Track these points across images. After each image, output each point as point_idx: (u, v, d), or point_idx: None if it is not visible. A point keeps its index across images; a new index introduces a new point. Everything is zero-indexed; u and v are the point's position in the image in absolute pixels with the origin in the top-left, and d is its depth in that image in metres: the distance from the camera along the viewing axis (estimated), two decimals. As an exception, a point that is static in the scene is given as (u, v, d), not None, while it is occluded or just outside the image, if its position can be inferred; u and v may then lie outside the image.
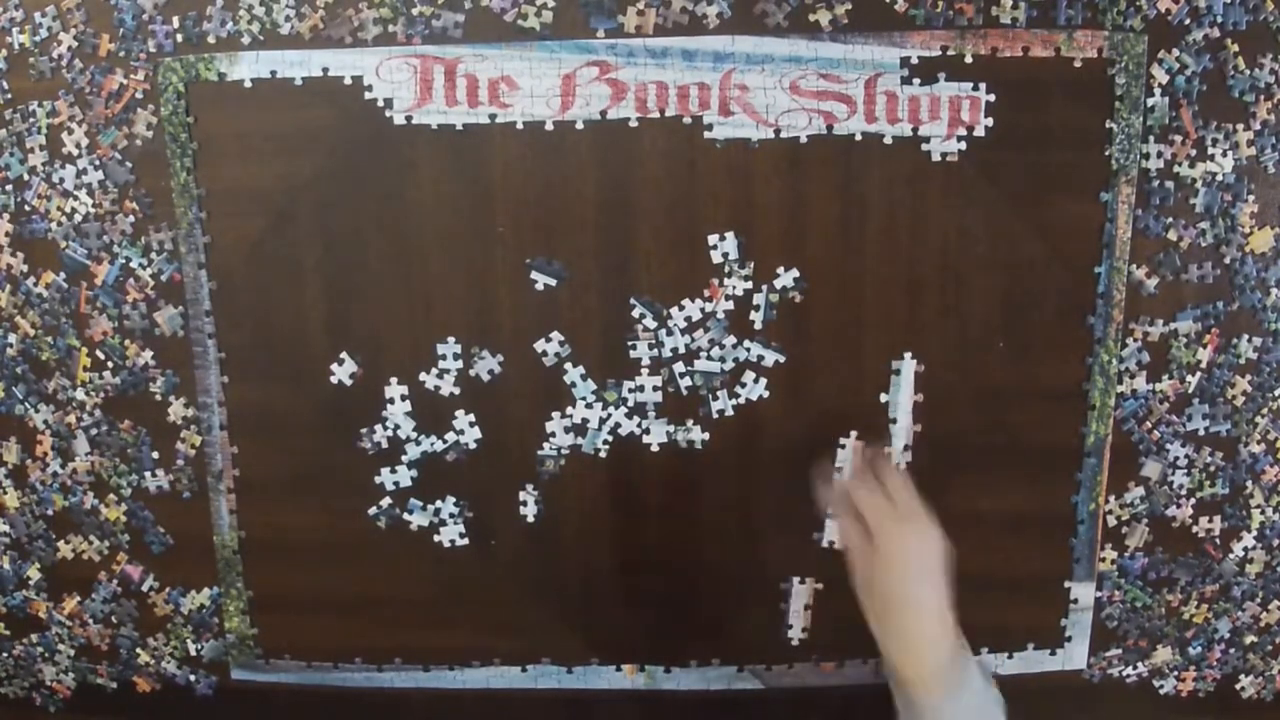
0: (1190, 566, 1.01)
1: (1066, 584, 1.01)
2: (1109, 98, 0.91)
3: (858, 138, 0.92)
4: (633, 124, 0.92)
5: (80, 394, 1.00)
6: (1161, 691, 1.05)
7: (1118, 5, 0.89)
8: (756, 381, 0.96)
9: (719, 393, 0.97)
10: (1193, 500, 1.00)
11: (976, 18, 0.90)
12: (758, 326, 0.96)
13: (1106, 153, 0.92)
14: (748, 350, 0.96)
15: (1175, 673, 1.05)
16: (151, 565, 1.04)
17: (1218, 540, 1.01)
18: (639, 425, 0.98)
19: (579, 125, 0.92)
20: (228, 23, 0.92)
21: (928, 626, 0.82)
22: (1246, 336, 0.96)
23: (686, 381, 0.97)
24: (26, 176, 0.96)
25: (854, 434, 0.97)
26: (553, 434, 0.98)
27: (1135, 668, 1.04)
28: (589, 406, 0.97)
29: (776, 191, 0.93)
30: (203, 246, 0.96)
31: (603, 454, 0.98)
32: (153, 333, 0.98)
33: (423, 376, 0.97)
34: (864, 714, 1.04)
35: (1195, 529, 1.00)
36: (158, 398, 1.00)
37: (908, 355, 0.96)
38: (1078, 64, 0.91)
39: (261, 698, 1.06)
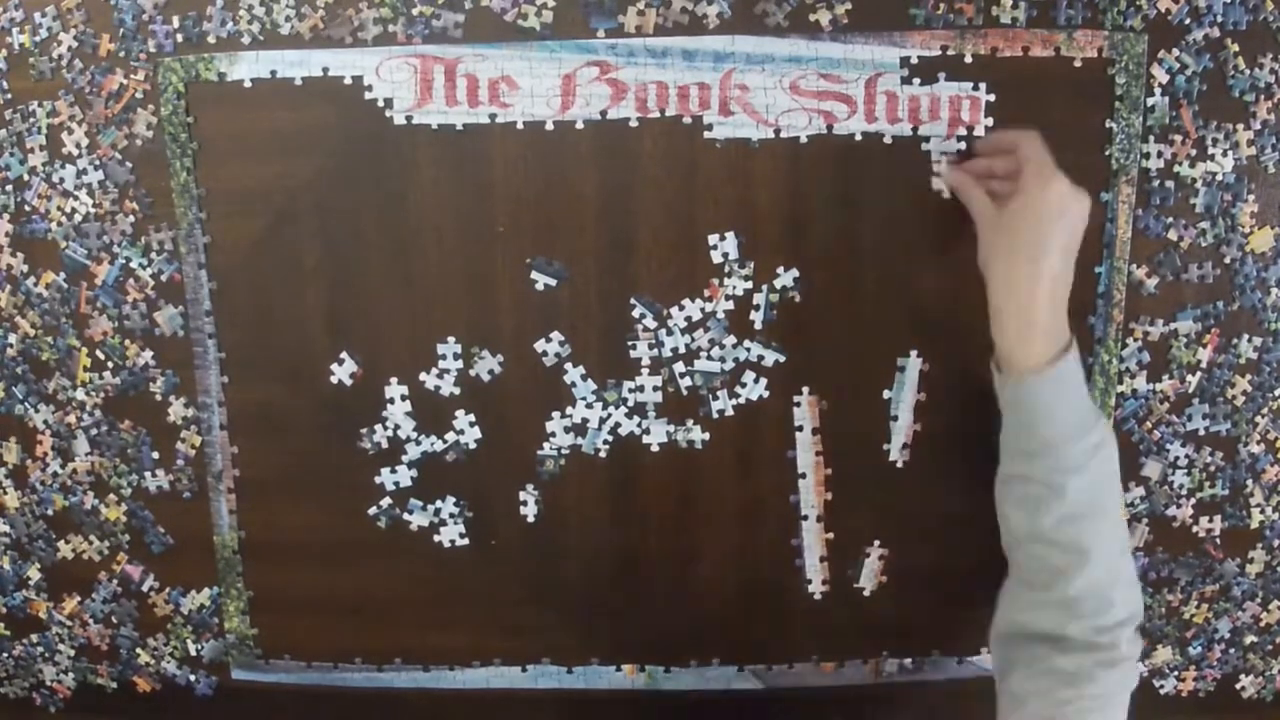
0: (1190, 566, 1.01)
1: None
2: (1109, 97, 0.91)
3: (858, 137, 0.92)
4: (633, 124, 0.92)
5: (80, 394, 1.00)
6: (1162, 691, 1.05)
7: (1118, 5, 0.89)
8: (756, 381, 0.96)
9: (719, 393, 0.97)
10: (1193, 500, 1.00)
11: (977, 18, 0.90)
12: (758, 326, 0.96)
13: (1107, 153, 0.92)
14: (748, 350, 0.96)
15: (1175, 672, 1.05)
16: (151, 565, 1.04)
17: (1218, 540, 1.01)
18: (639, 425, 0.98)
19: (579, 125, 0.92)
20: (228, 23, 0.92)
21: (1049, 286, 0.82)
22: (1246, 336, 0.96)
23: (686, 381, 0.97)
24: (26, 176, 0.96)
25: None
26: (553, 434, 0.98)
27: (1135, 667, 1.04)
28: (589, 406, 0.97)
29: (777, 191, 0.93)
30: (203, 246, 0.96)
31: (603, 454, 0.98)
32: (153, 333, 0.98)
33: (423, 376, 0.97)
34: (864, 714, 1.04)
35: (1195, 529, 1.00)
36: (158, 398, 1.00)
37: (913, 353, 0.95)
38: (1078, 64, 0.90)
39: (261, 698, 1.06)
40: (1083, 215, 0.83)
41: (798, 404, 0.97)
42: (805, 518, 0.99)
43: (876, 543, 1.00)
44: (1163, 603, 1.02)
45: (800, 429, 0.97)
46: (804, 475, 0.98)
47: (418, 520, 1.01)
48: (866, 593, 1.01)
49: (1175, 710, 1.05)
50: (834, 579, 1.00)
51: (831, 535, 0.99)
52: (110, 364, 0.99)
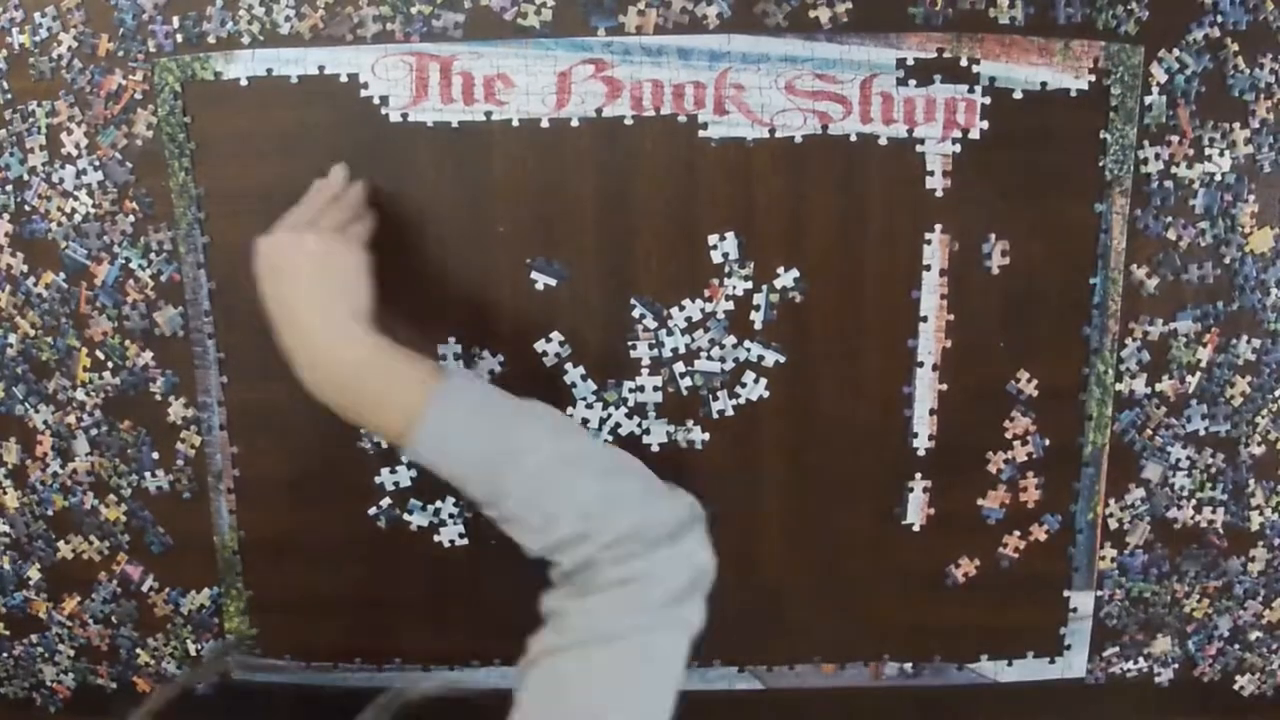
0: (1195, 558, 1.01)
1: (1065, 593, 1.01)
2: (1104, 106, 0.91)
3: (853, 138, 0.91)
4: (628, 121, 0.91)
5: (80, 394, 1.00)
6: (1159, 684, 1.05)
7: (1114, 8, 0.89)
8: (756, 381, 0.96)
9: (719, 393, 0.97)
10: (1193, 502, 1.00)
11: (973, 17, 0.90)
12: (758, 326, 0.95)
13: (1101, 163, 0.91)
14: (748, 350, 0.96)
15: (1174, 665, 1.04)
16: (151, 565, 1.04)
17: (1220, 530, 1.01)
18: (639, 425, 0.98)
19: (574, 123, 0.92)
20: (227, 23, 0.92)
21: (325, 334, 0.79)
22: (1246, 337, 0.96)
23: (686, 381, 0.97)
24: (26, 177, 0.96)
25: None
26: (552, 434, 0.98)
27: (1135, 663, 1.04)
28: (589, 407, 0.97)
29: (775, 191, 0.93)
30: (202, 247, 0.96)
31: (602, 454, 0.98)
32: (153, 333, 0.98)
33: (422, 376, 0.97)
34: (864, 714, 1.04)
35: (1197, 518, 1.00)
36: (158, 398, 1.00)
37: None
38: (1075, 75, 0.90)
39: (261, 698, 1.06)
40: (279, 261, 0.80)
41: (928, 242, 0.93)
42: (921, 364, 0.96)
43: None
44: (1169, 590, 1.02)
45: (928, 269, 0.94)
46: (925, 319, 0.95)
47: (417, 520, 1.00)
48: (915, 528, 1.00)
49: (1175, 707, 1.05)
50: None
51: (945, 387, 0.96)
52: (110, 364, 0.99)
